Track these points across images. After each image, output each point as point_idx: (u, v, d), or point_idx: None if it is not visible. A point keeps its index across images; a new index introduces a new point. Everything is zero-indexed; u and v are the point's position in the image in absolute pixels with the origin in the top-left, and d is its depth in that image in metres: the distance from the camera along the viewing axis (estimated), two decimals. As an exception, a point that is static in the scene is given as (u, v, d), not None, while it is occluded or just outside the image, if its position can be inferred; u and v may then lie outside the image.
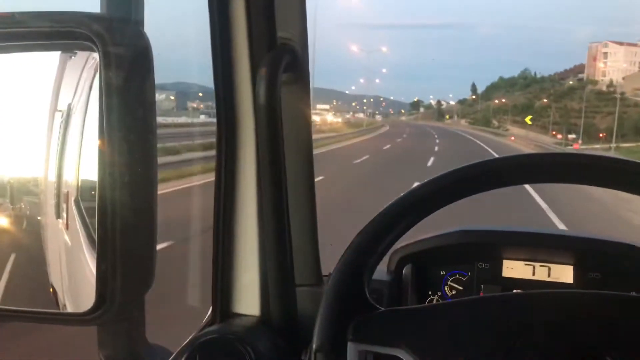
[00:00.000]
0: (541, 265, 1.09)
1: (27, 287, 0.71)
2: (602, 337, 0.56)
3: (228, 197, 0.89)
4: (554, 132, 77.74)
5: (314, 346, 0.61)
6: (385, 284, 1.08)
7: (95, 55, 0.58)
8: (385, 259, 1.05)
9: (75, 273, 0.71)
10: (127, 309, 0.68)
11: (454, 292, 1.12)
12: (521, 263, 1.09)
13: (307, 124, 0.95)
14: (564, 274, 1.08)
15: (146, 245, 0.58)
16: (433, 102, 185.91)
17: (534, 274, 1.09)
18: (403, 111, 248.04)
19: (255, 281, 0.90)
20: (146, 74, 0.56)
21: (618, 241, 1.08)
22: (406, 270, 1.11)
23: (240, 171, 0.89)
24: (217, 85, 0.85)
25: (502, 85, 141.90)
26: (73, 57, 0.65)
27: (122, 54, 0.54)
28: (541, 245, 1.10)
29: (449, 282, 1.13)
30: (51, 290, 0.69)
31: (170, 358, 0.81)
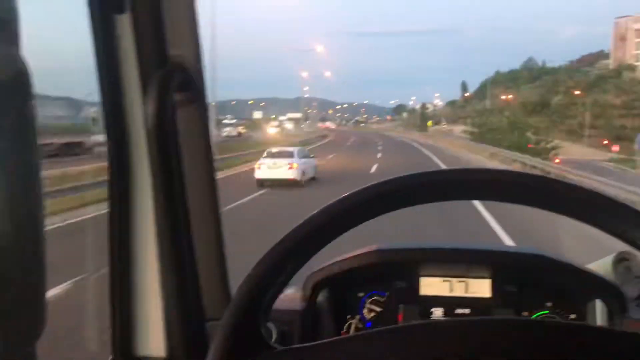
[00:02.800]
0: (458, 281, 1.07)
1: None
2: None
3: (124, 229, 0.83)
4: (605, 142, 48.81)
5: None
6: (298, 314, 1.02)
7: None
8: (300, 285, 1.07)
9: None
10: None
11: (372, 314, 1.10)
12: (438, 280, 1.08)
13: (207, 145, 0.90)
14: (482, 288, 1.07)
15: (34, 288, 0.53)
16: (417, 106, 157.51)
17: (451, 290, 1.07)
18: (389, 117, 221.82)
19: (159, 319, 0.84)
20: (26, 96, 0.54)
21: (531, 252, 1.08)
22: (322, 296, 1.07)
23: (136, 200, 0.83)
24: (106, 110, 0.81)
25: (500, 81, 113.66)
26: None
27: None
28: (457, 260, 1.08)
29: (367, 305, 1.11)
30: None
31: None
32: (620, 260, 1.27)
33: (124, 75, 0.81)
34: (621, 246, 0.55)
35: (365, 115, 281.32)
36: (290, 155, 14.63)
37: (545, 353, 0.53)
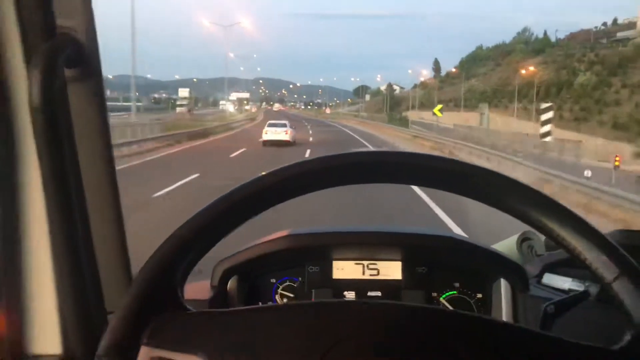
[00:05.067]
0: (370, 264, 1.09)
1: None
2: (407, 353, 0.53)
3: (9, 220, 0.76)
4: None
5: (99, 350, 0.51)
6: (206, 303, 0.99)
7: None
8: (208, 274, 1.05)
9: None
10: None
11: (285, 300, 1.11)
12: (351, 263, 1.09)
13: (103, 123, 0.83)
14: (393, 270, 1.09)
15: None
16: (383, 88, 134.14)
17: (364, 273, 1.09)
18: (350, 100, 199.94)
19: (54, 314, 0.77)
20: None
21: (441, 235, 1.12)
22: (232, 283, 1.05)
23: (23, 189, 0.77)
24: None
25: (485, 57, 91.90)
26: None
27: None
28: (369, 243, 1.10)
29: (279, 290, 1.11)
30: None
31: None
32: (524, 240, 1.35)
33: (5, 48, 0.73)
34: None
35: (325, 98, 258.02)
36: (284, 125, 23.46)
37: (444, 339, 0.54)
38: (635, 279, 0.54)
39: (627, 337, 0.54)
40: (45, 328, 0.77)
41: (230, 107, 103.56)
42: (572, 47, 67.56)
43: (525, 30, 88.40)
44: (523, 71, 57.66)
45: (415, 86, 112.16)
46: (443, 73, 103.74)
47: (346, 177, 0.59)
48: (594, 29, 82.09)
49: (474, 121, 39.56)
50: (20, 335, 0.76)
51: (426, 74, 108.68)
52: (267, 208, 0.59)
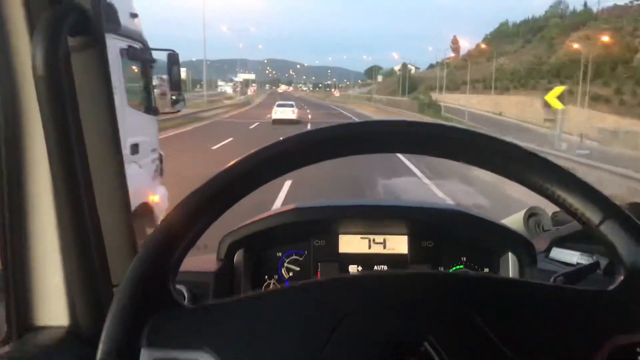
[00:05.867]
0: (376, 238, 1.09)
1: None
2: (417, 321, 0.53)
3: (14, 192, 0.76)
4: None
5: (97, 357, 0.50)
6: (212, 275, 1.00)
7: None
8: (214, 246, 1.05)
9: None
10: None
11: (291, 273, 1.10)
12: (357, 237, 1.09)
13: (107, 93, 0.81)
14: (399, 244, 1.09)
15: None
16: (397, 69, 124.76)
17: (370, 247, 1.09)
18: (361, 81, 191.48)
19: (61, 285, 0.77)
20: None
21: (447, 208, 1.15)
22: (238, 257, 1.06)
23: (27, 159, 0.76)
24: None
25: (514, 33, 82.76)
26: None
27: None
28: (375, 217, 1.10)
29: (285, 264, 1.10)
30: None
31: None
32: (531, 215, 1.38)
33: (8, 16, 0.72)
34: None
35: (335, 79, 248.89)
36: (291, 105, 29.50)
37: (454, 304, 0.53)
38: (620, 220, 0.54)
39: (620, 278, 0.55)
40: (52, 300, 0.76)
41: (228, 90, 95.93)
42: (619, 20, 58.49)
43: (559, 2, 79.04)
44: (575, 45, 48.72)
45: (431, 66, 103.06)
46: (463, 53, 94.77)
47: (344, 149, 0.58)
48: (630, 3, 72.78)
49: (531, 111, 30.70)
50: (27, 307, 0.76)
51: (464, 45, 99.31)
52: (263, 184, 0.57)
